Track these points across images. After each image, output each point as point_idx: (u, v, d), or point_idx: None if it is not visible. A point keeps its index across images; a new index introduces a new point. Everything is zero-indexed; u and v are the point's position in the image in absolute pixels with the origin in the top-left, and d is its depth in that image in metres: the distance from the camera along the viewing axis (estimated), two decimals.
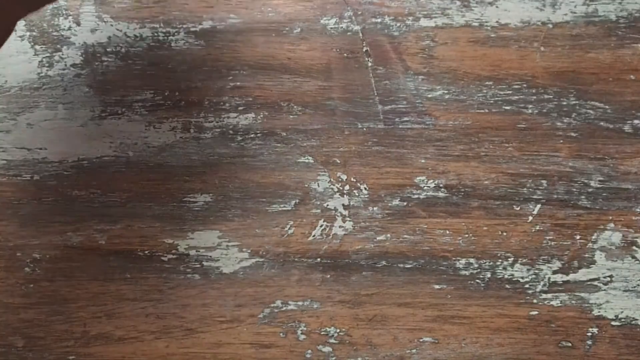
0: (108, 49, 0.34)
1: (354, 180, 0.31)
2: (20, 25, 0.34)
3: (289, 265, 0.30)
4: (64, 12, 0.34)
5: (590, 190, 0.31)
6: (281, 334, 0.29)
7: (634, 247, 0.30)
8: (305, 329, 0.29)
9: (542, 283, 0.30)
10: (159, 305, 0.30)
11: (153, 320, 0.29)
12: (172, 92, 0.33)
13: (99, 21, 0.34)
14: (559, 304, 0.29)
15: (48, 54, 0.33)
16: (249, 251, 0.30)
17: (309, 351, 0.29)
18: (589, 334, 0.29)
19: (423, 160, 0.32)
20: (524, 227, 0.30)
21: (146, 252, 0.30)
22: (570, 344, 0.29)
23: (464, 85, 0.33)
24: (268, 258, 0.30)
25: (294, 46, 0.33)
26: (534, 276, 0.30)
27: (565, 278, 0.30)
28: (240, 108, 0.33)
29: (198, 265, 0.30)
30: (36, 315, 0.29)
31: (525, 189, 0.31)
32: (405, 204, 0.31)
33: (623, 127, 0.32)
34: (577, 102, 0.32)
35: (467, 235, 0.30)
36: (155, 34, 0.34)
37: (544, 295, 0.30)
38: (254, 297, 0.30)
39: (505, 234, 0.30)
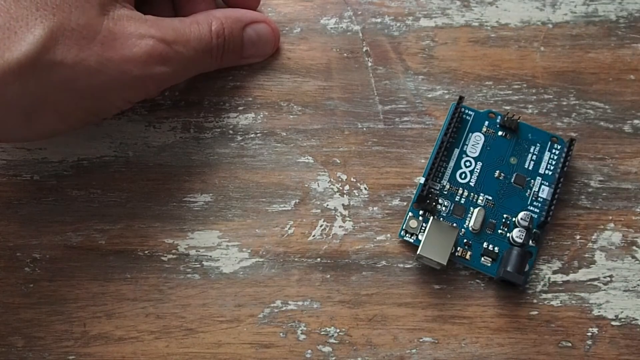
0: None
1: (354, 180, 0.31)
2: None
3: (289, 265, 0.30)
4: None
5: (590, 190, 0.31)
6: (281, 334, 0.29)
7: (634, 247, 0.30)
8: (305, 329, 0.29)
9: (542, 283, 0.30)
10: (159, 305, 0.30)
11: (153, 320, 0.29)
12: (172, 92, 0.33)
13: None
14: (559, 304, 0.29)
15: None
16: (249, 251, 0.30)
17: (309, 351, 0.29)
18: (589, 334, 0.29)
19: (423, 160, 0.32)
20: None
21: (146, 252, 0.30)
22: (570, 344, 0.29)
23: (464, 85, 0.33)
24: (268, 258, 0.30)
25: (294, 46, 0.33)
26: (533, 276, 0.30)
27: (565, 278, 0.30)
28: (240, 108, 0.33)
29: (198, 265, 0.30)
30: (36, 315, 0.29)
31: None
32: (405, 204, 0.31)
33: (623, 127, 0.32)
34: (577, 102, 0.32)
35: None
36: None
37: (544, 295, 0.30)
38: (254, 297, 0.30)
39: None
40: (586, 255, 0.30)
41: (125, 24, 0.27)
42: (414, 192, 0.31)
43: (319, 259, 0.30)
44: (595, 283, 0.30)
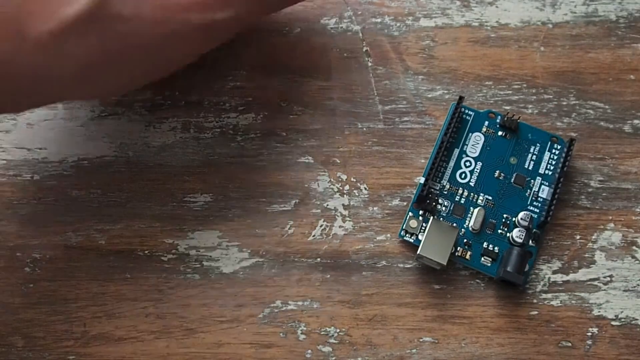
0: None
1: (354, 180, 0.31)
2: None
3: (289, 265, 0.30)
4: None
5: (590, 190, 0.31)
6: (281, 334, 0.29)
7: (634, 247, 0.30)
8: (305, 329, 0.29)
9: (542, 283, 0.30)
10: (159, 305, 0.30)
11: (153, 320, 0.29)
12: (172, 92, 0.33)
13: None
14: (559, 304, 0.29)
15: None
16: (249, 251, 0.30)
17: (309, 351, 0.29)
18: (589, 334, 0.29)
19: (423, 160, 0.32)
20: None
21: (146, 252, 0.30)
22: (570, 344, 0.29)
23: (464, 85, 0.33)
24: (268, 258, 0.30)
25: (294, 46, 0.33)
26: (533, 276, 0.30)
27: (565, 278, 0.30)
28: (240, 108, 0.33)
29: (198, 265, 0.30)
30: (36, 315, 0.29)
31: None
32: (405, 204, 0.31)
33: (623, 127, 0.32)
34: (577, 102, 0.32)
35: None
36: None
37: (544, 295, 0.30)
38: (254, 297, 0.30)
39: None
40: (586, 255, 0.30)
41: None
42: (414, 192, 0.31)
43: (319, 259, 0.30)
44: (595, 283, 0.30)
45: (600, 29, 0.34)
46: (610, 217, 0.31)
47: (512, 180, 0.31)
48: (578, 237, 0.30)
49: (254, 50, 0.33)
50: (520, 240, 0.29)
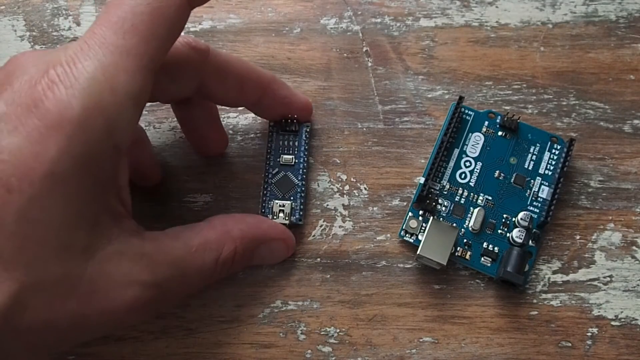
0: None
1: (354, 180, 0.31)
2: (20, 25, 0.34)
3: (289, 265, 0.30)
4: (64, 12, 0.34)
5: (590, 190, 0.31)
6: (281, 334, 0.29)
7: (634, 247, 0.30)
8: (305, 329, 0.29)
9: (542, 283, 0.30)
10: None
11: (153, 320, 0.29)
12: None
13: None
14: (559, 304, 0.29)
15: None
16: None
17: (309, 351, 0.29)
18: (589, 334, 0.29)
19: (423, 160, 0.32)
20: None
21: None
22: (570, 344, 0.29)
23: (464, 85, 0.33)
24: None
25: (294, 46, 0.33)
26: (533, 276, 0.30)
27: (565, 278, 0.30)
28: (240, 108, 0.33)
29: None
30: None
31: None
32: (405, 204, 0.31)
33: (623, 127, 0.32)
34: (577, 102, 0.32)
35: None
36: None
37: (543, 295, 0.30)
38: (254, 297, 0.30)
39: None
40: (586, 255, 0.30)
41: (113, 267, 0.22)
42: (414, 192, 0.31)
43: (319, 259, 0.30)
44: (595, 283, 0.30)
45: (600, 29, 0.34)
46: (610, 217, 0.31)
47: (512, 180, 0.31)
48: (578, 237, 0.30)
49: (254, 50, 0.33)
50: (520, 240, 0.29)
